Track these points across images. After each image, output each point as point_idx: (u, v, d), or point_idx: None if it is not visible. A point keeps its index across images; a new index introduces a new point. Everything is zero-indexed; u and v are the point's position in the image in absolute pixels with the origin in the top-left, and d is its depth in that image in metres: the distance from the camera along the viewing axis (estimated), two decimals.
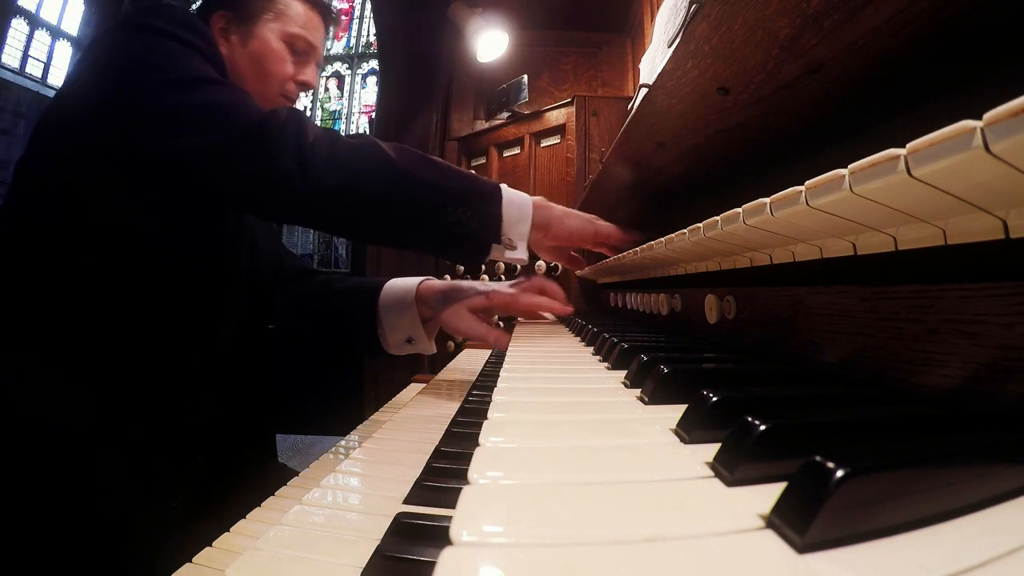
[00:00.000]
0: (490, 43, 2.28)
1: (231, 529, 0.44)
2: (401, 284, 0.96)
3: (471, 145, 2.46)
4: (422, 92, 2.64)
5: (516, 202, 0.75)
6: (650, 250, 0.69)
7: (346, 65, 8.40)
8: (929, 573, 0.16)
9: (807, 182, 0.32)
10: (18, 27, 9.61)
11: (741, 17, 0.49)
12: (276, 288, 1.01)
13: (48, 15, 10.02)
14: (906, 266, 0.34)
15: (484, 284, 0.95)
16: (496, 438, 0.29)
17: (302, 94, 0.97)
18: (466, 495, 0.21)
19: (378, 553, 0.32)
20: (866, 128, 0.51)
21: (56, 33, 10.11)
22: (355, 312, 0.97)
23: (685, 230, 0.54)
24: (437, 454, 0.49)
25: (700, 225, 0.50)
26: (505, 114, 2.32)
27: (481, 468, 0.24)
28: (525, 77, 2.24)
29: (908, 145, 0.24)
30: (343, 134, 0.72)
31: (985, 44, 0.37)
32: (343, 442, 0.67)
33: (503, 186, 0.75)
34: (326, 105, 8.38)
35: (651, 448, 0.28)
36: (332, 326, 1.01)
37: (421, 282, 0.95)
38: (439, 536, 0.32)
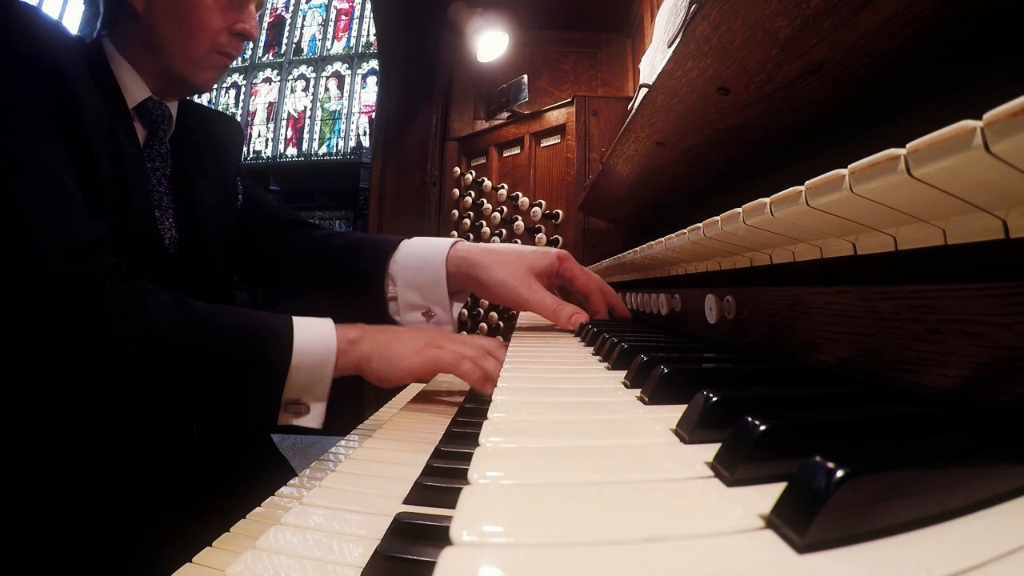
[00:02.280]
0: (490, 43, 2.28)
1: (231, 529, 0.44)
2: (427, 244, 0.80)
3: (471, 145, 2.46)
4: (422, 92, 2.64)
5: (307, 361, 0.59)
6: (650, 250, 0.69)
7: (346, 65, 8.39)
8: (929, 573, 0.16)
9: (807, 182, 0.32)
10: None
11: (741, 17, 0.49)
12: (248, 245, 0.90)
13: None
14: (906, 266, 0.34)
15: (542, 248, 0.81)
16: (496, 438, 0.29)
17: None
18: (466, 495, 0.21)
19: (378, 553, 0.32)
20: (866, 128, 0.51)
21: None
22: (359, 266, 0.81)
23: (685, 230, 0.54)
24: (437, 454, 0.49)
25: (700, 225, 0.50)
26: (505, 114, 2.32)
27: (481, 468, 0.24)
28: (525, 77, 2.24)
29: (908, 145, 0.24)
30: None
31: (985, 44, 0.37)
32: (343, 442, 0.67)
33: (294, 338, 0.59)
34: (326, 105, 8.38)
35: (651, 448, 0.28)
36: (328, 279, 0.84)
37: (455, 243, 0.78)
38: (439, 536, 0.32)
